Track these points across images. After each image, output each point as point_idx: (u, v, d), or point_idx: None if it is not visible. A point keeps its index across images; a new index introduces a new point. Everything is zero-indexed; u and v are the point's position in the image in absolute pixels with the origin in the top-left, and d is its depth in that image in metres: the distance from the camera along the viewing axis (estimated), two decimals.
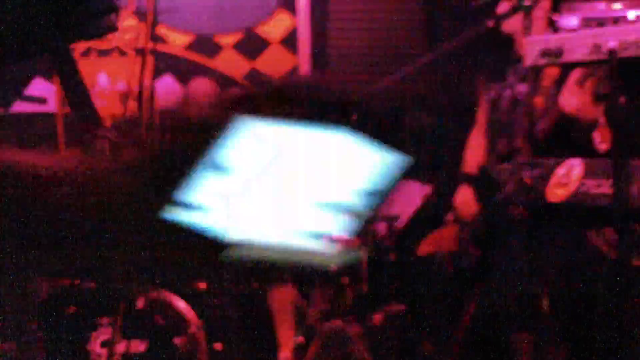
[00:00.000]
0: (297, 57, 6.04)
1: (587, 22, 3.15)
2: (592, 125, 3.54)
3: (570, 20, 3.21)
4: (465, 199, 4.40)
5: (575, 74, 3.48)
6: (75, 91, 1.95)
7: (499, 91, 4.32)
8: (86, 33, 1.89)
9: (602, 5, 3.27)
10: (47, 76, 5.67)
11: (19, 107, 5.63)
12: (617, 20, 2.97)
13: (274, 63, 6.03)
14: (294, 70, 6.05)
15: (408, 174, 1.00)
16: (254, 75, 6.02)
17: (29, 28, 1.75)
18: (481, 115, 4.53)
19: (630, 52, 2.81)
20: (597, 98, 3.59)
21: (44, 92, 5.62)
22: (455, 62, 5.55)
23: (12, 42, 1.78)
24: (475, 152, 4.57)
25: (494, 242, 4.15)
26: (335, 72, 6.15)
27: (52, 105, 5.65)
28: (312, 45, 6.04)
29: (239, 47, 5.98)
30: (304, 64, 6.05)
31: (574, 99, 3.47)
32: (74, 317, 3.35)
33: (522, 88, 4.21)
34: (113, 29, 1.96)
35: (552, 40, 2.98)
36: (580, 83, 3.44)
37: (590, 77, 3.42)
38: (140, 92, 2.20)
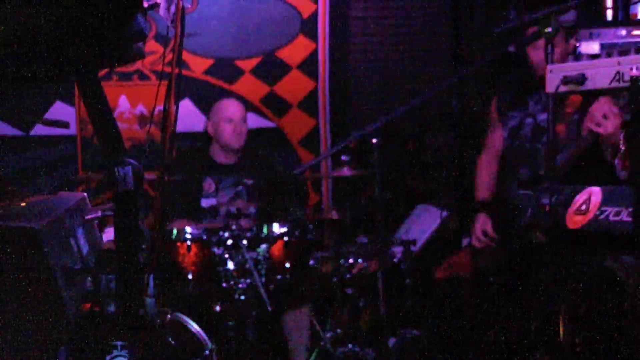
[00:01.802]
0: (316, 82, 6.06)
1: (608, 49, 3.15)
2: (615, 151, 3.53)
3: (591, 47, 3.21)
4: (482, 227, 4.39)
5: (603, 100, 3.47)
6: (101, 116, 1.96)
7: (520, 119, 4.33)
8: (114, 60, 1.91)
9: (622, 31, 3.27)
10: (67, 100, 5.71)
11: (40, 130, 5.67)
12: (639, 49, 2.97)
13: (293, 87, 6.04)
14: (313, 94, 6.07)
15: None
16: (272, 99, 6.04)
17: (59, 54, 1.77)
18: (492, 141, 4.53)
19: None
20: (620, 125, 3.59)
21: (64, 115, 5.66)
22: (478, 85, 5.57)
23: (43, 66, 1.80)
24: (486, 178, 4.57)
25: (514, 267, 4.14)
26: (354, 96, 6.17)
27: (73, 128, 5.69)
28: (331, 70, 6.05)
29: (258, 71, 6.01)
30: (323, 89, 6.06)
31: (615, 119, 3.44)
32: (91, 341, 3.35)
33: (545, 116, 4.21)
34: (140, 55, 1.98)
35: (574, 67, 2.98)
36: (621, 106, 3.43)
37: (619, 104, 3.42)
38: (164, 116, 2.21)
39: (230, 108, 5.31)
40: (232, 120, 5.24)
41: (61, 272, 1.81)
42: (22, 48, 1.74)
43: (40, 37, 1.72)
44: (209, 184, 5.21)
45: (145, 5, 1.96)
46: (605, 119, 3.41)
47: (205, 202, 5.17)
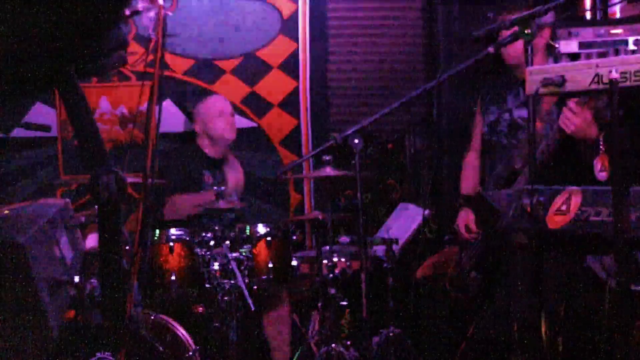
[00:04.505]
0: (297, 81, 6.05)
1: (587, 48, 3.16)
2: (592, 146, 3.59)
3: (570, 46, 3.22)
4: (465, 221, 4.42)
5: (572, 100, 3.54)
6: (83, 126, 1.96)
7: (498, 115, 4.37)
8: (97, 69, 1.91)
9: (601, 31, 3.28)
10: (48, 101, 5.67)
11: (20, 132, 5.63)
12: (618, 50, 2.98)
13: (274, 87, 6.04)
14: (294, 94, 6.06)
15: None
16: (253, 99, 6.03)
17: (41, 65, 1.76)
18: (477, 139, 4.57)
19: (631, 82, 2.82)
20: (599, 127, 3.64)
21: (44, 117, 5.63)
22: (455, 87, 5.62)
23: (24, 76, 1.79)
24: (470, 174, 4.61)
25: (495, 266, 4.17)
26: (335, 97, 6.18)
27: (53, 130, 5.65)
28: (312, 70, 6.05)
29: (238, 71, 6.00)
30: (304, 89, 6.06)
31: (575, 118, 3.55)
32: (75, 349, 3.35)
33: (521, 112, 4.25)
34: (122, 63, 1.98)
35: (554, 69, 2.99)
36: (582, 103, 3.51)
37: (591, 100, 3.48)
38: (147, 117, 2.21)
39: (218, 103, 5.34)
40: (223, 113, 5.27)
41: (45, 284, 1.80)
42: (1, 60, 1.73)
43: (20, 48, 1.71)
44: (207, 177, 5.23)
45: (127, 13, 1.96)
46: (571, 117, 3.53)
47: None
